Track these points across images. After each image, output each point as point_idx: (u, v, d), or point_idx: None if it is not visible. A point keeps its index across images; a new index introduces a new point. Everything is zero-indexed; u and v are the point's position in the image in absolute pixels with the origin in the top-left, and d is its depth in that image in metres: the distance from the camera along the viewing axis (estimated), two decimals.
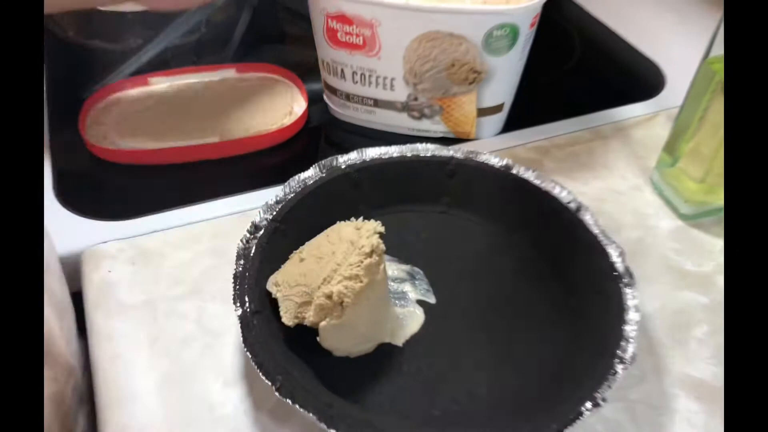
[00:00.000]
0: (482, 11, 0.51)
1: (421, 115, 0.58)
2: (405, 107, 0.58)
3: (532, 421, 0.35)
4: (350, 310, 0.37)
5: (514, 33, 0.52)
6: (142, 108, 0.61)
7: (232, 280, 0.41)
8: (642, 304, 0.46)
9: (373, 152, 0.50)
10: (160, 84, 0.64)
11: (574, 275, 0.44)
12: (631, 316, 0.39)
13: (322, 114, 0.63)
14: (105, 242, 0.49)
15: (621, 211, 0.54)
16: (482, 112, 0.57)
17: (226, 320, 0.44)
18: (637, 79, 0.70)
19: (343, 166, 0.49)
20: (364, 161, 0.49)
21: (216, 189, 0.54)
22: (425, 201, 0.50)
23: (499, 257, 0.47)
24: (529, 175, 0.48)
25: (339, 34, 0.55)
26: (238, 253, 0.43)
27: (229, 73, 0.65)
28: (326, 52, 0.57)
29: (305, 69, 0.64)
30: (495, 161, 0.49)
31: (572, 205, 0.46)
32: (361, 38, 0.54)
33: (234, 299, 0.40)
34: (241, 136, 0.58)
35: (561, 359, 0.40)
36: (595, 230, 0.44)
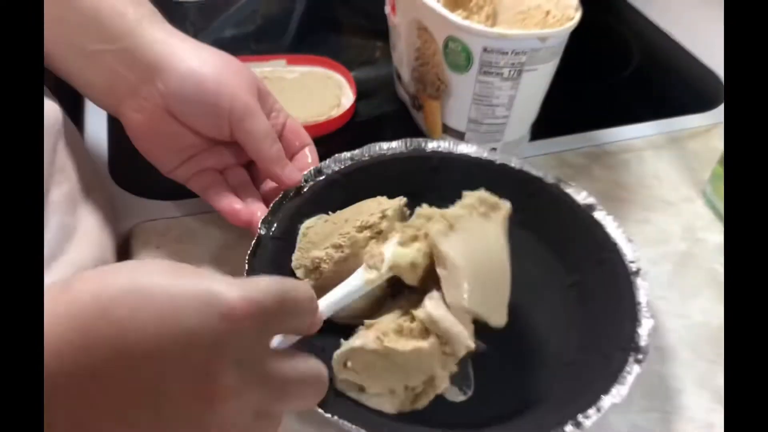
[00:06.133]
0: (441, 14, 0.48)
1: (414, 106, 0.58)
2: (407, 91, 0.59)
3: None
4: (327, 276, 0.40)
5: (466, 53, 0.48)
6: None
7: (271, 206, 0.44)
8: (688, 315, 0.46)
9: (463, 147, 0.49)
10: None
11: (595, 333, 0.41)
12: (617, 390, 0.36)
13: (369, 107, 0.63)
14: (155, 220, 0.51)
15: (670, 221, 0.53)
16: (447, 130, 0.55)
17: None
18: (696, 90, 0.68)
19: (428, 150, 0.49)
20: (451, 153, 0.49)
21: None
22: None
23: (537, 290, 0.45)
24: (608, 222, 0.45)
25: None
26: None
27: (279, 63, 0.66)
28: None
29: (356, 62, 0.65)
30: (580, 197, 0.46)
31: (634, 267, 0.42)
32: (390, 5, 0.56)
33: (263, 221, 0.43)
34: None
35: (535, 399, 0.39)
36: (643, 299, 0.41)
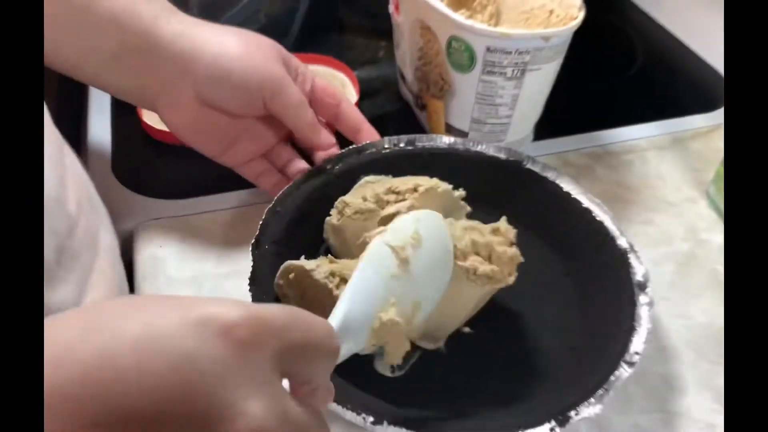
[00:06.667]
0: (443, 13, 0.48)
1: (417, 105, 0.58)
2: (410, 90, 0.59)
3: None
4: (345, 222, 0.43)
5: (470, 53, 0.48)
6: None
7: (344, 150, 0.48)
8: (691, 316, 0.46)
9: (447, 140, 0.50)
10: None
11: (590, 333, 0.41)
12: (622, 371, 0.36)
13: (372, 107, 0.63)
14: (158, 219, 0.51)
15: (673, 222, 0.53)
16: (450, 129, 0.55)
17: None
18: (700, 90, 0.68)
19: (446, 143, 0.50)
20: (440, 147, 0.50)
21: None
22: (488, 203, 0.47)
23: (531, 279, 0.43)
24: (604, 218, 0.45)
25: None
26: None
27: None
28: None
29: (359, 61, 0.65)
30: (569, 187, 0.47)
31: (640, 279, 0.41)
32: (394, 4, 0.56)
33: (329, 160, 0.47)
34: None
35: (522, 397, 0.39)
36: (646, 320, 0.39)
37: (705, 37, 0.73)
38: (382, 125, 0.60)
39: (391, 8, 0.57)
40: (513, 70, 0.49)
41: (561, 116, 0.61)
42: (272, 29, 0.72)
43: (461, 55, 0.49)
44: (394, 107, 0.63)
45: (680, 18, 0.77)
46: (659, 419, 0.40)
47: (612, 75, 0.70)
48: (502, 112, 0.52)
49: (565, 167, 0.56)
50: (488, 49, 0.48)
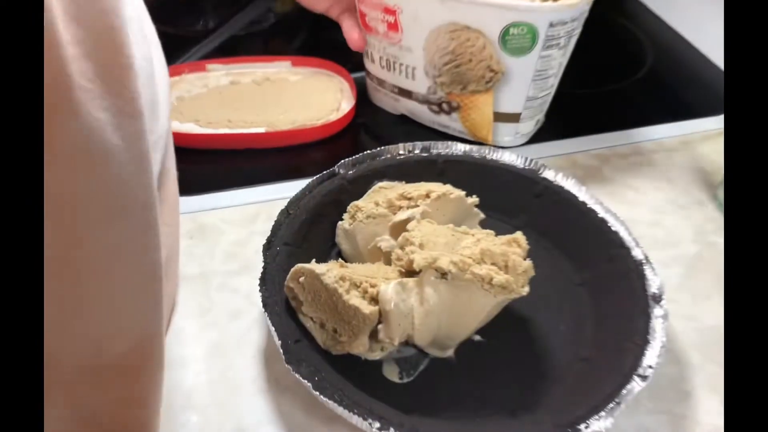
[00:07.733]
0: (498, 5, 0.49)
1: (440, 110, 0.58)
2: (425, 100, 0.58)
3: None
4: (358, 225, 0.44)
5: (532, 34, 0.49)
6: (196, 93, 0.63)
7: (358, 156, 0.48)
8: (698, 318, 0.46)
9: (462, 147, 0.50)
10: (217, 71, 0.65)
11: (603, 345, 0.41)
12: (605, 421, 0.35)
13: (370, 112, 0.63)
14: None
15: (681, 224, 0.52)
16: (499, 117, 0.55)
17: None
18: (709, 93, 0.68)
19: (433, 153, 0.50)
20: (455, 154, 0.50)
21: (263, 177, 0.56)
22: (503, 211, 0.48)
23: (545, 289, 0.44)
24: (619, 228, 0.45)
25: (367, 18, 0.56)
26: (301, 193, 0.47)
27: (284, 65, 0.66)
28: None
29: (361, 64, 0.65)
30: (585, 197, 0.47)
31: (655, 291, 0.41)
32: (385, 24, 0.54)
33: (343, 163, 0.48)
34: (287, 129, 0.59)
35: (527, 410, 0.39)
36: (660, 333, 0.39)
37: (714, 40, 0.73)
38: (379, 131, 0.60)
39: (360, 40, 0.58)
40: (565, 39, 0.51)
41: (570, 117, 0.61)
42: (281, 28, 0.72)
43: (522, 38, 0.50)
44: (391, 113, 0.63)
45: (690, 20, 0.76)
46: (665, 421, 0.40)
47: (621, 77, 0.70)
48: (550, 83, 0.54)
49: (573, 168, 0.56)
50: (551, 25, 0.49)
